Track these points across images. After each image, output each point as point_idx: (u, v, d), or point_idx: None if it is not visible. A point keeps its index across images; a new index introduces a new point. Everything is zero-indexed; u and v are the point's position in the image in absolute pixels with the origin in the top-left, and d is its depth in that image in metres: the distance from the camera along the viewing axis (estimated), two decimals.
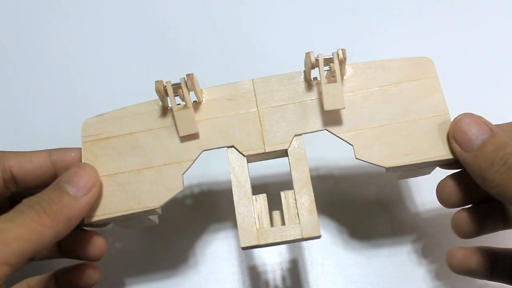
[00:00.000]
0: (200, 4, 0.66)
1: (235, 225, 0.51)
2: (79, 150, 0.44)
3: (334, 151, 0.54)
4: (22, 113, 0.61)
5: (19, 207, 0.37)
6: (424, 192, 0.53)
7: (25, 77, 0.63)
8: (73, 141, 0.47)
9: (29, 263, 0.45)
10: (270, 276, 0.50)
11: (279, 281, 0.50)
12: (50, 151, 0.44)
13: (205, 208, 0.54)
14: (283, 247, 0.51)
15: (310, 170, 0.42)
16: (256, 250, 0.52)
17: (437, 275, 0.50)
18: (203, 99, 0.44)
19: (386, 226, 0.52)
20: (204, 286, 0.51)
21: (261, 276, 0.51)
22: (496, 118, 0.42)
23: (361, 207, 0.53)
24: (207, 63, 0.62)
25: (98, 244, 0.43)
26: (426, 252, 0.51)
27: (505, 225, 0.43)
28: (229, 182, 0.42)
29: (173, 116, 0.42)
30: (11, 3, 0.67)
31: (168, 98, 0.42)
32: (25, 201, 0.37)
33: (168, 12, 0.66)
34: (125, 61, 0.63)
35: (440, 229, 0.50)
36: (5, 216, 0.36)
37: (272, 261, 0.51)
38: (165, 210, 0.42)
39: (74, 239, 0.43)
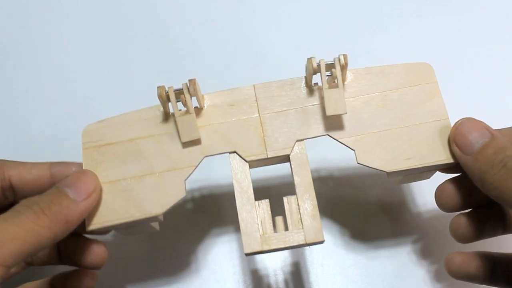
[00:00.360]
0: (200, 4, 0.65)
1: (236, 229, 0.51)
2: (80, 165, 0.43)
3: (334, 153, 0.53)
4: (22, 113, 0.60)
5: (16, 207, 0.36)
6: (426, 193, 0.52)
7: (25, 77, 0.62)
8: (72, 141, 0.46)
9: (27, 267, 0.45)
10: (271, 278, 0.50)
11: (281, 283, 0.50)
12: (51, 163, 0.43)
13: (207, 212, 0.53)
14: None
15: (311, 172, 0.41)
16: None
17: (437, 276, 0.49)
18: (205, 104, 0.43)
19: (387, 227, 0.52)
20: None
21: (263, 277, 0.50)
22: (495, 118, 0.42)
23: (362, 208, 0.53)
24: (207, 63, 0.61)
25: (98, 253, 0.42)
26: (426, 253, 0.50)
27: (504, 230, 0.42)
28: (230, 185, 0.41)
29: (175, 122, 0.42)
30: (11, 3, 0.66)
31: (169, 103, 0.41)
32: (23, 201, 0.37)
33: (168, 12, 0.65)
34: (125, 61, 0.62)
35: (441, 230, 0.50)
36: (1, 216, 0.35)
37: (274, 262, 0.51)
38: (166, 214, 0.42)
39: (75, 247, 0.42)
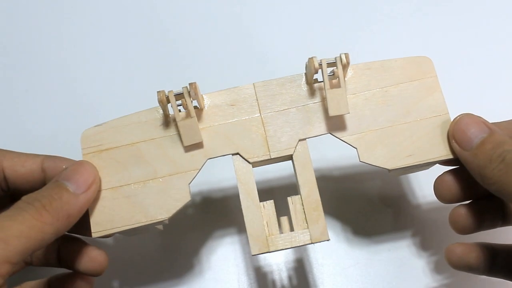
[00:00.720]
0: (200, 4, 0.63)
1: (239, 230, 0.51)
2: (73, 161, 0.41)
3: (334, 151, 0.52)
4: (22, 113, 0.58)
5: (18, 204, 0.35)
6: (425, 186, 0.52)
7: (25, 77, 0.60)
8: (72, 141, 0.45)
9: (26, 267, 0.44)
10: (276, 277, 0.49)
11: (284, 283, 0.49)
12: (44, 157, 0.42)
13: (209, 214, 0.52)
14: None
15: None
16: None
17: (437, 267, 0.49)
18: (205, 105, 0.41)
19: (388, 221, 0.51)
20: None
21: (267, 277, 0.49)
22: (495, 117, 0.41)
23: (362, 203, 0.52)
24: (207, 62, 0.60)
25: (99, 260, 0.41)
26: (426, 245, 0.50)
27: (504, 222, 0.42)
28: (232, 187, 0.40)
29: (176, 126, 0.40)
30: (11, 3, 0.64)
31: (170, 106, 0.40)
32: (24, 198, 0.36)
33: (168, 12, 0.63)
34: (125, 60, 0.61)
35: (440, 221, 0.50)
36: (4, 213, 0.34)
37: (276, 262, 0.50)
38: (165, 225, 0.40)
39: (75, 253, 0.41)
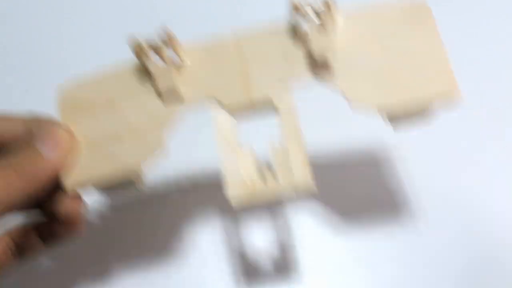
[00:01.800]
0: (200, 4, 0.63)
1: (221, 215, 0.46)
2: (52, 122, 0.39)
3: (322, 138, 0.49)
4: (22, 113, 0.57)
5: None
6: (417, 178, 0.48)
7: (25, 77, 0.60)
8: None
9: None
10: (260, 261, 0.45)
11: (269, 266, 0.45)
12: (29, 117, 0.39)
13: (191, 197, 0.48)
14: (273, 231, 0.46)
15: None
16: (244, 236, 0.46)
17: (436, 260, 0.45)
18: (181, 56, 0.39)
19: (383, 213, 0.47)
20: (194, 278, 0.45)
21: (250, 261, 0.45)
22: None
23: (356, 196, 0.48)
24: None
25: (74, 206, 0.36)
26: (422, 239, 0.46)
27: None
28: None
29: (152, 76, 0.38)
30: (11, 3, 0.65)
31: (145, 58, 0.38)
32: None
33: (169, 12, 0.62)
34: (125, 60, 0.59)
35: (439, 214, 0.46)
36: None
37: (261, 244, 0.46)
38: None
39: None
